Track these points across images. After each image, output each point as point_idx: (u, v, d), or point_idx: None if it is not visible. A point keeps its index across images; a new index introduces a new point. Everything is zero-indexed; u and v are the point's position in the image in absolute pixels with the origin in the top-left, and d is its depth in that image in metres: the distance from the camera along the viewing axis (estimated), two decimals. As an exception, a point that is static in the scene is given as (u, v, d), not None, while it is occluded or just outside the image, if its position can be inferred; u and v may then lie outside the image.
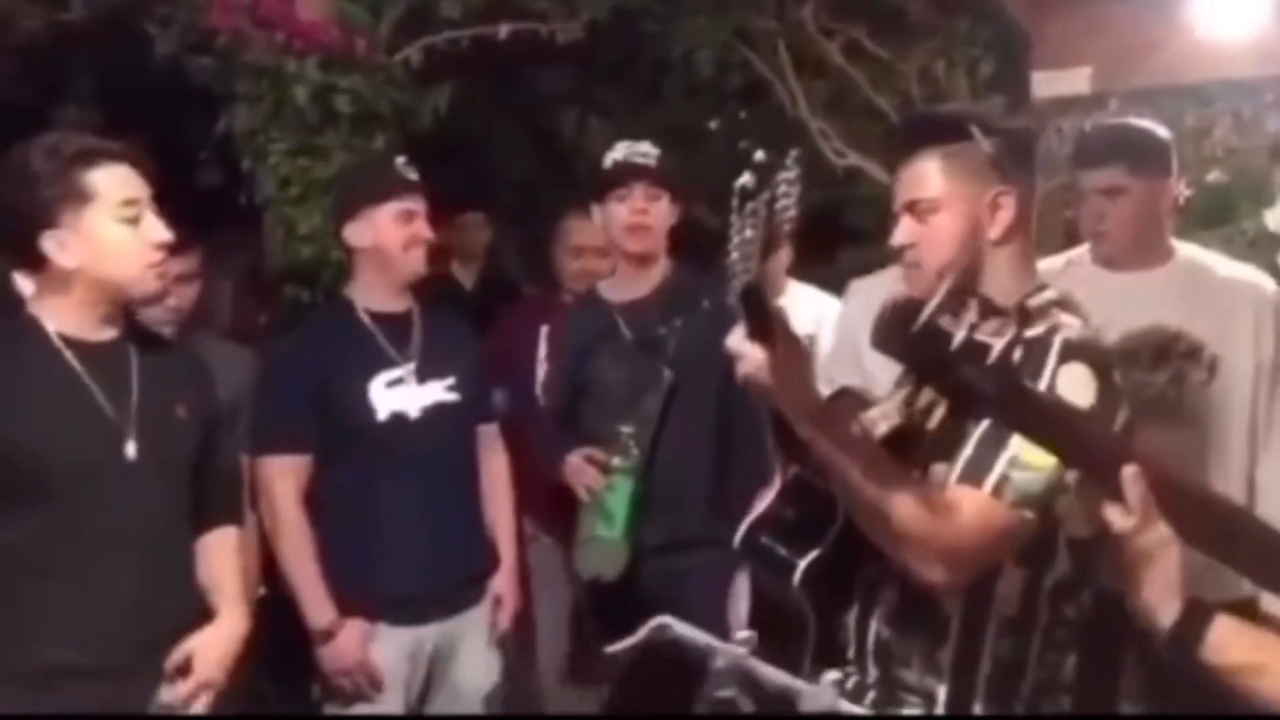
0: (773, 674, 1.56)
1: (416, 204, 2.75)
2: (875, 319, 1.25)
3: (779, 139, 4.74)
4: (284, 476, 2.66)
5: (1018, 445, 1.57)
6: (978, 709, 1.71)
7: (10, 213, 1.97)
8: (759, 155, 1.63)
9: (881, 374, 2.00)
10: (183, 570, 2.08)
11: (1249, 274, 2.72)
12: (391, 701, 2.70)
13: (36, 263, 1.99)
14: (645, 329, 2.94)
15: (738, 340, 1.66)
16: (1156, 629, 1.32)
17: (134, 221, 1.98)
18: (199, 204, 4.16)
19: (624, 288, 3.04)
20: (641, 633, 1.65)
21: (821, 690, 1.52)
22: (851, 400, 1.87)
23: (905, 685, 1.76)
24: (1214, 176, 4.42)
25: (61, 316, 2.00)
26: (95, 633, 1.95)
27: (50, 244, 1.95)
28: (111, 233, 1.97)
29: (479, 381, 2.88)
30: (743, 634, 1.60)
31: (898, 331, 1.24)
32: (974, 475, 1.61)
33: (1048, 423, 1.26)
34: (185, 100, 4.12)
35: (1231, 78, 3.92)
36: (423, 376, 2.72)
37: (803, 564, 1.81)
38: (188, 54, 3.88)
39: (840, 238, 4.84)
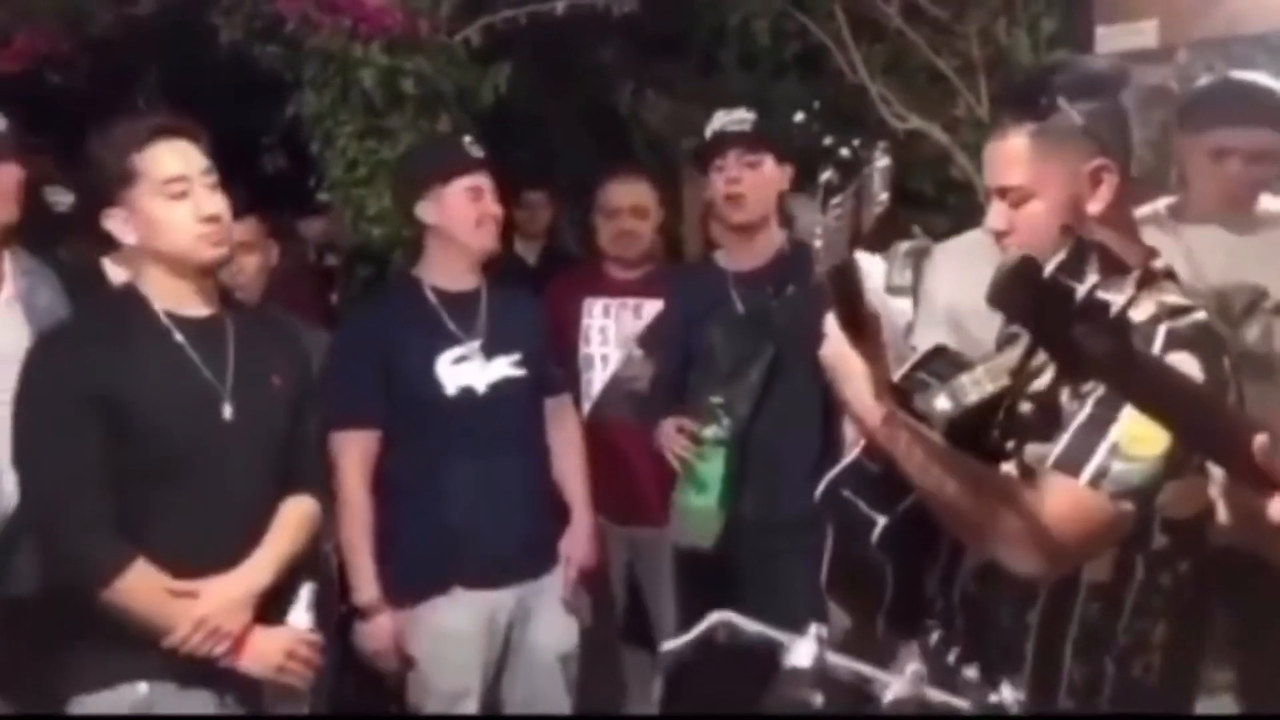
0: (846, 665, 1.44)
1: (484, 181, 2.81)
2: (994, 278, 1.17)
3: (839, 105, 4.75)
4: (350, 452, 2.74)
5: (1119, 433, 1.52)
6: (1065, 667, 1.70)
7: (86, 197, 2.16)
8: (844, 152, 1.59)
9: (983, 335, 1.95)
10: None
11: None
12: (469, 665, 2.78)
13: (116, 243, 2.17)
14: (757, 300, 2.93)
15: (830, 323, 1.66)
16: None
17: (181, 196, 2.09)
18: (268, 188, 4.26)
19: (737, 257, 3.05)
20: (700, 627, 1.55)
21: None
22: (946, 359, 1.82)
23: (992, 641, 1.75)
24: (1286, 128, 4.32)
25: (161, 294, 2.14)
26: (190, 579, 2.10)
27: (113, 223, 2.11)
28: (159, 209, 2.09)
29: (544, 356, 2.94)
30: (814, 628, 1.48)
31: (1018, 289, 1.16)
32: (1072, 464, 1.54)
33: (1159, 392, 1.19)
34: (253, 87, 4.19)
35: (1301, 25, 3.83)
36: (489, 352, 2.79)
37: (882, 522, 1.80)
38: (255, 41, 3.96)
39: (902, 202, 4.80)
